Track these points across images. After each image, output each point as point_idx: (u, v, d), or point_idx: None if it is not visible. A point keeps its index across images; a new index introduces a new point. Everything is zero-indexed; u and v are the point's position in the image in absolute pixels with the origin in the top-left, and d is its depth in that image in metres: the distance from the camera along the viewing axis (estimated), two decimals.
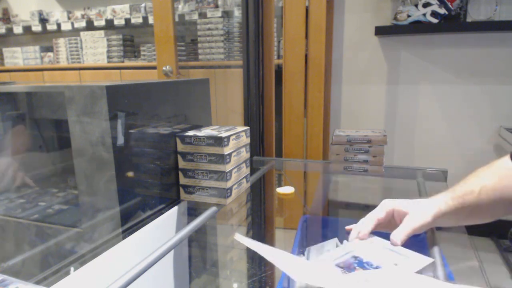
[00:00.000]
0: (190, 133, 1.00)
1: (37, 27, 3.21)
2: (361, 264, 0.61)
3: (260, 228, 1.15)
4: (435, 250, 0.71)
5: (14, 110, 1.09)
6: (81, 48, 3.11)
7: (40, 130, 1.15)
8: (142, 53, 2.91)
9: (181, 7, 2.66)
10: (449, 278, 0.63)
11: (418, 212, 0.64)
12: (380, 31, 2.06)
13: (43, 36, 3.37)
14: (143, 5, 2.91)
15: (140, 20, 2.86)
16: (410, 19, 1.98)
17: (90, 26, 3.04)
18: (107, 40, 2.98)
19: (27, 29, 3.25)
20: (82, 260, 0.74)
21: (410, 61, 2.15)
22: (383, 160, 1.22)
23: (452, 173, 1.35)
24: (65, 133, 0.84)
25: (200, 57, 2.56)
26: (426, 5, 1.94)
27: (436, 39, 2.08)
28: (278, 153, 2.00)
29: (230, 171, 0.99)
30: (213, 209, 0.99)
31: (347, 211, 1.29)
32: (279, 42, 2.34)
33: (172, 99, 1.02)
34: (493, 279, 1.76)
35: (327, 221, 1.10)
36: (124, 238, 0.81)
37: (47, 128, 1.14)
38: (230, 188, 1.01)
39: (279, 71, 1.96)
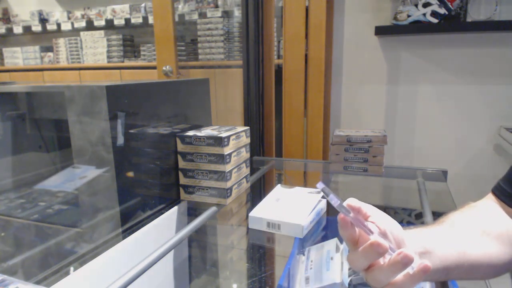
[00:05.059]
0: (190, 133, 1.00)
1: (37, 27, 3.21)
2: None
3: None
4: None
5: (14, 110, 1.09)
6: (81, 48, 3.11)
7: (40, 130, 1.15)
8: (142, 53, 2.91)
9: (181, 7, 2.66)
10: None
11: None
12: (380, 31, 2.06)
13: (43, 36, 3.37)
14: (143, 5, 2.91)
15: (140, 20, 2.85)
16: (410, 19, 1.98)
17: (90, 26, 3.03)
18: (107, 40, 2.98)
19: (27, 29, 3.25)
20: (82, 260, 0.74)
21: (410, 61, 2.15)
22: (383, 160, 1.22)
23: (452, 173, 1.35)
24: (65, 133, 0.84)
25: (200, 57, 2.56)
26: (426, 5, 1.94)
27: (436, 39, 2.08)
28: (278, 153, 2.00)
29: (230, 171, 0.99)
30: (213, 209, 0.99)
31: None
32: (279, 42, 2.34)
33: (172, 99, 1.02)
34: (493, 279, 1.76)
35: (327, 221, 1.10)
36: (124, 238, 0.81)
37: (47, 128, 1.14)
38: (230, 188, 1.01)
39: (279, 71, 1.95)
